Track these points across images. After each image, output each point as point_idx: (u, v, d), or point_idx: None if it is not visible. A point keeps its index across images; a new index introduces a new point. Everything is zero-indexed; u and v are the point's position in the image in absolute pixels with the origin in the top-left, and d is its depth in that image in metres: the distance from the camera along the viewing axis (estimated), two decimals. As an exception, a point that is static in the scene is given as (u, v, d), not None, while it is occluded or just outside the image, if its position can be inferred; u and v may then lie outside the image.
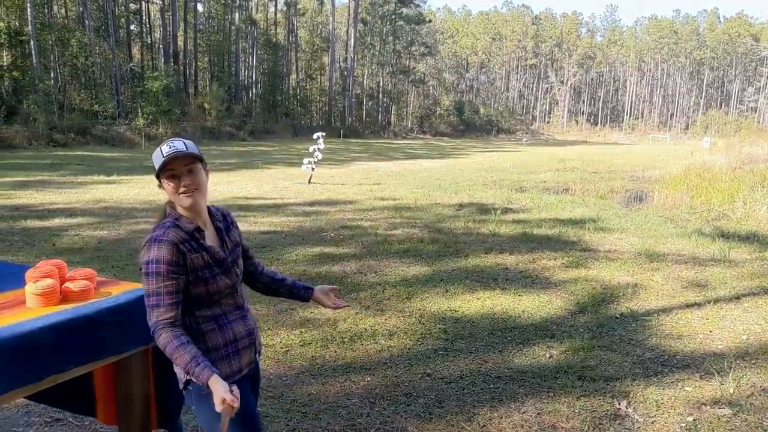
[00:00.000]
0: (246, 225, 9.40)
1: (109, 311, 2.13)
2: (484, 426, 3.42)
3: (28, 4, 31.14)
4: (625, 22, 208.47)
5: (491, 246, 8.41)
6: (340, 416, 3.48)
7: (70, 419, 3.36)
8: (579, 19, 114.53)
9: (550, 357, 4.46)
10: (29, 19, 31.21)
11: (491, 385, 3.95)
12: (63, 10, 42.72)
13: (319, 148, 15.99)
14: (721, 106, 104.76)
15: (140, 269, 1.88)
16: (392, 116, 72.40)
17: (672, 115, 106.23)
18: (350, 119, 61.44)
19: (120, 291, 2.30)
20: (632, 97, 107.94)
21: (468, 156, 34.10)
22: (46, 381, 1.96)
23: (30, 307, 2.06)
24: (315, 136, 16.38)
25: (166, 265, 1.85)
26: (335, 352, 4.44)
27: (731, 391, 3.95)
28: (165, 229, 1.90)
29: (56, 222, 9.22)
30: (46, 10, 36.94)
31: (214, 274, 1.94)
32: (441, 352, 4.50)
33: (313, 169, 15.75)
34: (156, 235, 1.89)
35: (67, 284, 2.17)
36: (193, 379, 1.83)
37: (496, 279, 6.65)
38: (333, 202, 12.50)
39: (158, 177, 1.94)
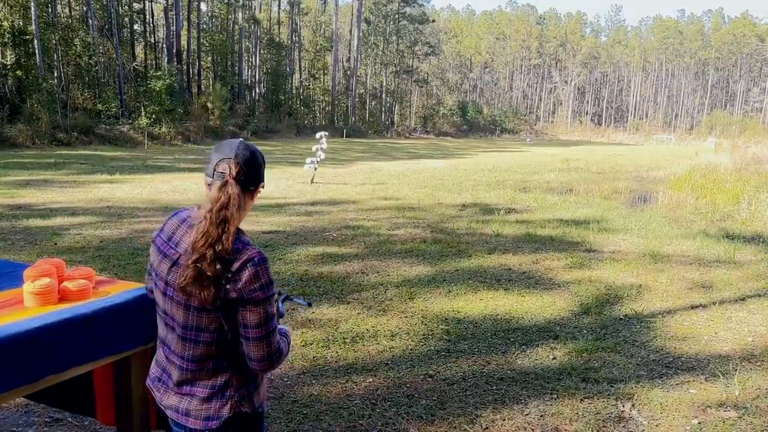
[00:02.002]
0: (249, 224, 9.38)
1: (108, 311, 2.11)
2: (487, 428, 3.39)
3: (32, 4, 31.19)
4: (630, 22, 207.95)
5: (494, 246, 8.37)
6: (341, 417, 3.45)
7: (70, 419, 3.34)
8: (583, 19, 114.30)
9: (554, 358, 4.43)
10: (33, 18, 31.26)
11: (494, 387, 3.92)
12: (67, 10, 42.80)
13: (322, 148, 15.96)
14: (726, 106, 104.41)
15: (266, 292, 1.59)
16: (395, 116, 72.36)
17: (676, 116, 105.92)
18: (353, 119, 61.41)
19: (118, 290, 2.28)
20: (636, 97, 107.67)
21: (471, 156, 34.05)
22: (45, 381, 1.95)
23: (28, 307, 2.04)
24: (318, 135, 16.35)
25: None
26: (337, 352, 4.41)
27: (737, 393, 3.91)
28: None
29: (58, 221, 9.21)
30: (50, 10, 37.01)
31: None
32: (443, 353, 4.47)
33: (316, 168, 15.73)
34: (261, 252, 1.61)
35: (65, 283, 2.15)
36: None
37: (500, 280, 6.62)
38: (336, 202, 12.47)
39: (260, 183, 1.70)
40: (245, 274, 1.55)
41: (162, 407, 1.75)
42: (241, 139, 1.86)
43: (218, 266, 1.53)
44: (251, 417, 1.72)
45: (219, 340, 1.64)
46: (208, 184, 1.63)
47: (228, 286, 1.56)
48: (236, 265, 1.56)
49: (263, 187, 1.73)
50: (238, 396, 1.68)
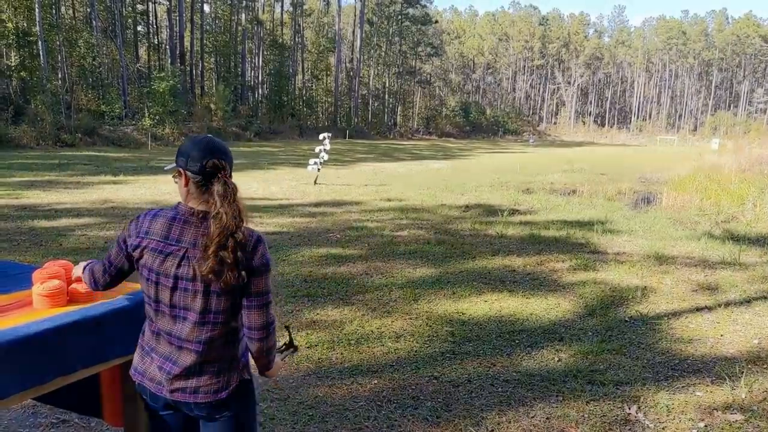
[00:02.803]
0: (251, 225, 9.33)
1: (116, 312, 2.12)
2: (492, 430, 3.39)
3: (36, 5, 31.30)
4: (633, 22, 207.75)
5: (498, 248, 8.36)
6: (346, 419, 3.45)
7: (77, 420, 3.35)
8: (586, 20, 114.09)
9: (559, 360, 4.42)
10: (37, 19, 31.37)
11: (499, 389, 3.91)
12: (71, 11, 42.96)
13: (325, 149, 15.97)
14: (729, 107, 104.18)
15: (269, 267, 1.82)
16: (398, 117, 72.39)
17: (680, 117, 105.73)
18: (356, 120, 61.44)
19: (127, 292, 2.28)
20: (640, 98, 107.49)
21: (474, 157, 34.04)
22: (54, 383, 1.95)
23: (37, 309, 2.04)
24: (321, 136, 16.37)
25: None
26: (342, 354, 4.41)
27: (743, 396, 3.90)
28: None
29: (63, 222, 9.23)
30: (54, 11, 37.14)
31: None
32: (448, 355, 4.47)
33: (319, 169, 15.75)
34: (261, 233, 1.85)
35: (73, 285, 2.16)
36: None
37: (504, 281, 6.61)
38: (339, 203, 12.48)
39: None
40: (258, 252, 1.78)
41: (163, 396, 1.84)
42: (210, 135, 1.96)
43: (239, 252, 1.73)
44: (250, 383, 1.92)
45: (231, 319, 1.81)
46: (197, 182, 1.78)
47: (244, 264, 1.75)
48: (249, 245, 1.78)
49: None
50: (242, 364, 1.87)
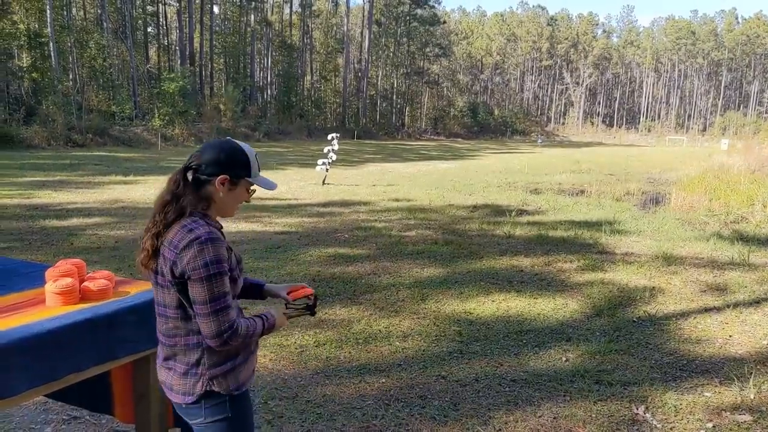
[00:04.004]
0: (260, 225, 9.44)
1: (128, 310, 2.15)
2: (500, 430, 3.40)
3: (48, 7, 31.56)
4: (642, 22, 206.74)
5: (506, 248, 8.36)
6: (354, 418, 3.47)
7: (88, 417, 3.39)
8: (595, 20, 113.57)
9: (567, 360, 4.42)
10: (48, 21, 31.63)
11: (507, 389, 3.92)
12: (82, 12, 43.28)
13: (333, 149, 16.01)
14: (739, 107, 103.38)
15: (197, 273, 1.67)
16: (406, 117, 72.39)
17: (689, 117, 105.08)
18: (364, 120, 61.51)
19: (138, 290, 2.31)
20: (649, 98, 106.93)
21: (482, 157, 33.99)
22: (66, 379, 1.98)
23: (50, 306, 2.08)
24: (330, 137, 16.42)
25: (227, 263, 1.73)
26: (350, 353, 4.44)
27: (751, 397, 3.89)
28: (206, 226, 1.74)
29: (74, 221, 9.32)
30: (65, 13, 37.41)
31: (239, 274, 1.86)
32: (456, 355, 4.48)
33: (327, 170, 15.79)
34: (205, 233, 1.70)
35: (86, 283, 2.19)
36: (273, 330, 1.90)
37: (511, 281, 6.61)
38: (347, 203, 12.51)
39: (241, 177, 1.82)
40: (186, 254, 1.71)
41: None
42: (225, 138, 1.98)
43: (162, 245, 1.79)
44: (225, 397, 1.81)
45: (183, 318, 1.78)
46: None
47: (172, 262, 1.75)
48: (181, 244, 1.75)
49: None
50: (210, 374, 1.78)
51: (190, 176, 1.79)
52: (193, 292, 1.70)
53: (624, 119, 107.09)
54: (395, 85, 71.09)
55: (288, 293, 2.08)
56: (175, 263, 1.70)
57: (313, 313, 2.12)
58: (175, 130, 34.43)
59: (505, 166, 25.87)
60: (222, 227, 1.85)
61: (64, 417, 3.40)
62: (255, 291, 2.14)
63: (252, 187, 1.88)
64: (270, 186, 1.90)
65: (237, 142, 1.88)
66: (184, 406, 1.82)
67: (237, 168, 1.81)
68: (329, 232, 9.17)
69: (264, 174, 1.94)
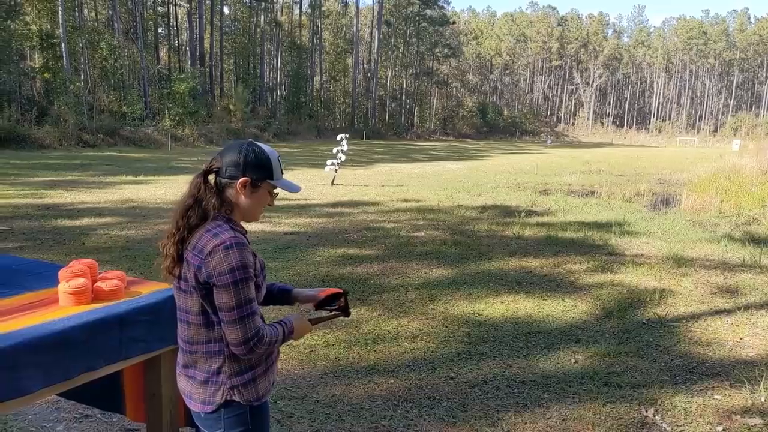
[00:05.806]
0: (270, 225, 9.47)
1: (140, 310, 2.17)
2: (509, 431, 3.40)
3: (60, 8, 31.84)
4: (653, 22, 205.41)
5: (515, 249, 8.34)
6: (363, 418, 3.48)
7: (99, 416, 3.42)
8: (605, 20, 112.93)
9: (576, 362, 4.41)
10: (60, 22, 31.92)
11: (515, 390, 3.92)
12: (93, 14, 43.61)
13: (342, 150, 16.04)
14: (751, 108, 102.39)
15: (223, 279, 1.64)
16: (415, 118, 72.37)
17: (700, 117, 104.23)
18: (373, 121, 61.56)
19: (150, 290, 2.34)
20: (659, 98, 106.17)
21: (491, 158, 33.92)
22: (78, 378, 2.00)
23: (62, 306, 2.10)
24: (339, 137, 16.45)
25: (252, 269, 1.70)
26: (358, 353, 4.45)
27: (762, 400, 3.86)
28: (231, 230, 1.71)
29: (85, 221, 9.39)
30: (77, 14, 37.73)
31: (262, 281, 1.82)
32: (464, 356, 4.48)
33: (336, 170, 15.81)
34: (230, 237, 1.67)
35: (98, 283, 2.21)
36: (293, 339, 1.85)
37: (520, 282, 6.60)
38: (356, 204, 12.53)
39: (263, 179, 1.78)
40: (212, 260, 1.69)
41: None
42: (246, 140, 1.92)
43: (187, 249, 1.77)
44: (245, 408, 1.78)
45: (205, 324, 1.74)
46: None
47: (196, 267, 1.72)
48: (206, 249, 1.73)
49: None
50: (230, 384, 1.75)
51: (211, 179, 1.76)
52: (218, 298, 1.66)
53: (634, 120, 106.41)
54: (404, 86, 71.10)
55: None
56: (200, 268, 1.66)
57: (347, 314, 2.07)
58: (185, 131, 34.63)
59: (514, 167, 25.80)
60: (246, 232, 1.80)
61: (75, 415, 3.44)
62: (283, 296, 2.09)
63: (275, 190, 1.84)
64: (293, 189, 1.87)
65: (258, 143, 1.82)
66: (203, 415, 1.78)
67: (258, 170, 1.76)
68: (338, 233, 9.19)
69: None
